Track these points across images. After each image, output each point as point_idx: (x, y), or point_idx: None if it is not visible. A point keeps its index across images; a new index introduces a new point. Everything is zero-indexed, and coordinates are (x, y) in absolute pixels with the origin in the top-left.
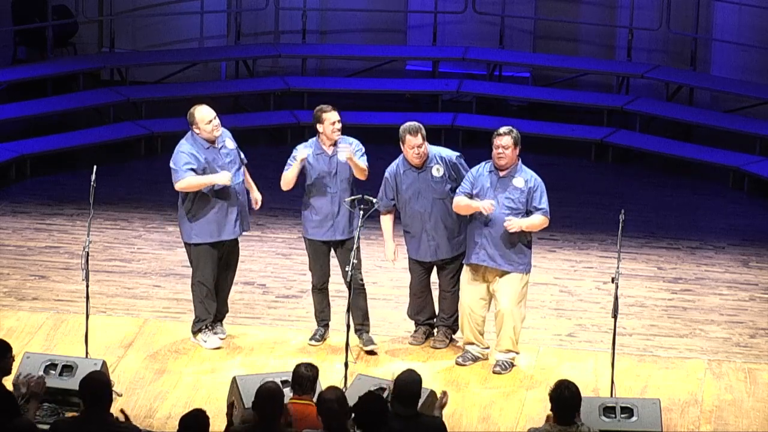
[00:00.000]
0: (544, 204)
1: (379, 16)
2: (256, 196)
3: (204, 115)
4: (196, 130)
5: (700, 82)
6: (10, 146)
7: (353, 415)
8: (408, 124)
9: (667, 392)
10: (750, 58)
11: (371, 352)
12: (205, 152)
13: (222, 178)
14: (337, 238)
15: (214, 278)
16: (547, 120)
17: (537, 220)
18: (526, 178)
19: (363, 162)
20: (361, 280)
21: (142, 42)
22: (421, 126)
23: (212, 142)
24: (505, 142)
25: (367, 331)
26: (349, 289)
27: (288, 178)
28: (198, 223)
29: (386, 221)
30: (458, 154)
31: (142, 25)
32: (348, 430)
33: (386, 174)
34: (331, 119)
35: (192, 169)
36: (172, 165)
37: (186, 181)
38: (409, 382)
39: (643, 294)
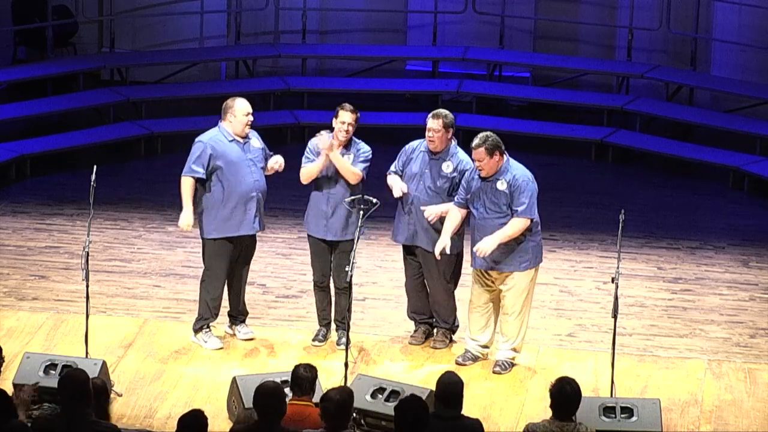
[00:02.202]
0: (522, 204)
1: (379, 16)
2: (276, 161)
3: (244, 106)
4: (230, 119)
5: (700, 82)
6: (10, 146)
7: (394, 419)
8: (439, 109)
9: (667, 392)
10: (750, 58)
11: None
12: (226, 145)
13: (183, 219)
14: (329, 238)
15: (227, 275)
16: (547, 120)
17: (511, 228)
18: (508, 179)
19: (354, 166)
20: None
21: (142, 42)
22: (449, 115)
23: (240, 136)
24: (479, 155)
25: (344, 329)
26: (350, 288)
27: (311, 172)
28: (216, 219)
29: (394, 177)
30: (474, 167)
31: (142, 25)
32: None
33: (405, 147)
34: (342, 118)
35: (203, 165)
36: (190, 152)
37: (184, 181)
38: (451, 383)
39: (643, 294)
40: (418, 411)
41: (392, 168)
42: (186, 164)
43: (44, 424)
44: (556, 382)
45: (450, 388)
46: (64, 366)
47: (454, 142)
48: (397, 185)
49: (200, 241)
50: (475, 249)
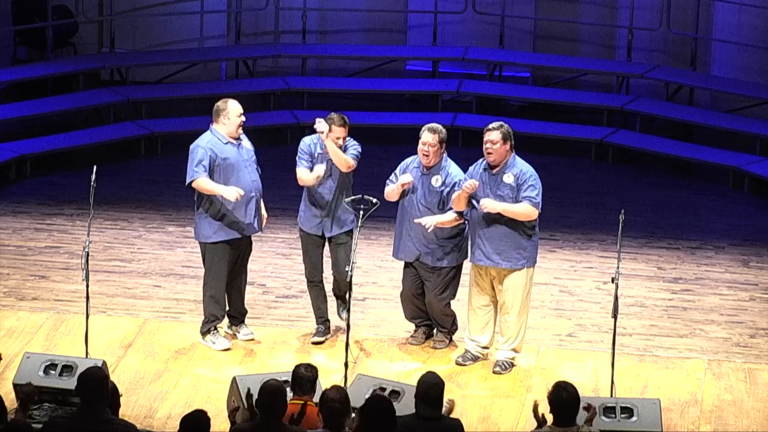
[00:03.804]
0: (531, 194)
1: (379, 16)
2: (263, 213)
3: (236, 107)
4: (224, 122)
5: (700, 82)
6: (10, 146)
7: (360, 416)
8: (432, 124)
9: (667, 392)
10: (750, 58)
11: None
12: (223, 147)
13: (231, 193)
14: (327, 234)
15: (227, 277)
16: (547, 120)
17: (519, 207)
18: (515, 173)
19: (346, 155)
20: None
21: (142, 42)
22: (444, 131)
23: (233, 137)
24: (493, 137)
25: (344, 309)
26: (349, 289)
27: (306, 179)
28: (218, 222)
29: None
30: (463, 178)
31: (142, 25)
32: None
33: (402, 163)
34: (337, 134)
35: (204, 167)
36: (189, 158)
37: (198, 182)
38: (432, 384)
39: (643, 294)
40: (384, 410)
41: (391, 179)
42: (188, 173)
43: (61, 421)
44: (552, 389)
45: (432, 388)
46: (64, 366)
47: (445, 155)
48: (399, 181)
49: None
50: (481, 202)
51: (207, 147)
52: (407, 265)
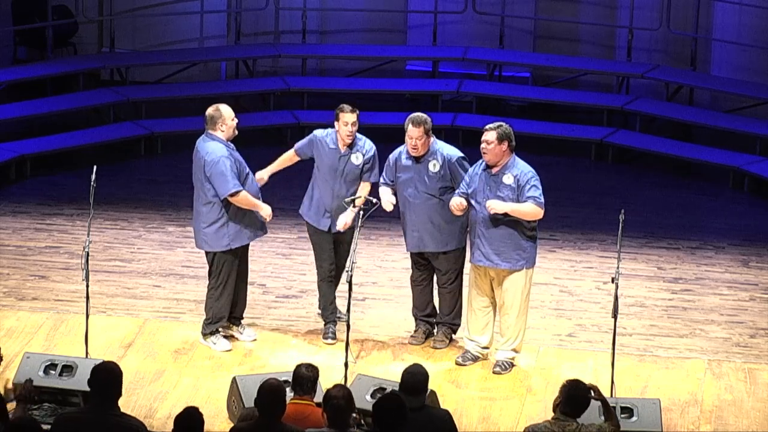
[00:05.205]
0: (535, 194)
1: (379, 16)
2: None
3: (230, 111)
4: (222, 128)
5: (700, 82)
6: (10, 146)
7: (373, 415)
8: (415, 114)
9: (667, 392)
10: (750, 58)
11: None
12: (235, 153)
13: (266, 211)
14: (333, 230)
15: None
16: (547, 120)
17: (525, 207)
18: (515, 174)
19: (366, 180)
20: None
21: (142, 42)
22: (428, 120)
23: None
24: (489, 137)
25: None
26: (350, 289)
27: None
28: (234, 229)
29: (385, 188)
30: (462, 155)
31: (142, 25)
32: (350, 428)
33: (389, 157)
34: (346, 120)
35: (238, 178)
36: (215, 170)
37: (242, 196)
38: (414, 373)
39: (643, 294)
40: (396, 409)
41: (383, 179)
42: (224, 184)
43: (72, 415)
44: (573, 379)
45: (409, 378)
46: (64, 366)
47: (433, 138)
48: (385, 199)
49: None
50: (488, 203)
51: (229, 157)
52: (419, 255)
